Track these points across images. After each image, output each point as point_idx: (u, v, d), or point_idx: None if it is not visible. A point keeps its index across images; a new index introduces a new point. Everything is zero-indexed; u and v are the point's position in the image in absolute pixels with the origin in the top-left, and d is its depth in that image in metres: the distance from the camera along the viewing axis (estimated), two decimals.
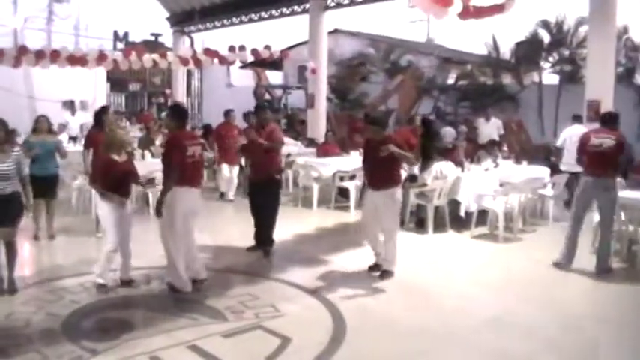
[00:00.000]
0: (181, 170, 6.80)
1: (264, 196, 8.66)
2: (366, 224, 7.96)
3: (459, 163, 10.84)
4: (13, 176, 6.87)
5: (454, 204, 10.31)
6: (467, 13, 8.89)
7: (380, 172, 7.57)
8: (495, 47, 23.26)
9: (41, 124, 9.49)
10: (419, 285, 7.51)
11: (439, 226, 10.12)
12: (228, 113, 14.05)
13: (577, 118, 12.16)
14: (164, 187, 6.87)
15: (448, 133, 16.26)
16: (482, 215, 10.14)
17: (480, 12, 9.12)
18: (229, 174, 13.43)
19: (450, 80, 24.78)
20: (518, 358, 5.51)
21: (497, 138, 14.47)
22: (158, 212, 6.88)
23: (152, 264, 7.76)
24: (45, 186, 9.18)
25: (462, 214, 10.17)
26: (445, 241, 9.76)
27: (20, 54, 12.62)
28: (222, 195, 13.40)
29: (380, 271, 7.70)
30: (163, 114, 21.84)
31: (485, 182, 10.44)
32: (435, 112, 22.51)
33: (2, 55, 12.32)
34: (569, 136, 11.58)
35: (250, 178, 9.10)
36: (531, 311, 6.62)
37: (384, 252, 7.71)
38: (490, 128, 15.19)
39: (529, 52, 22.26)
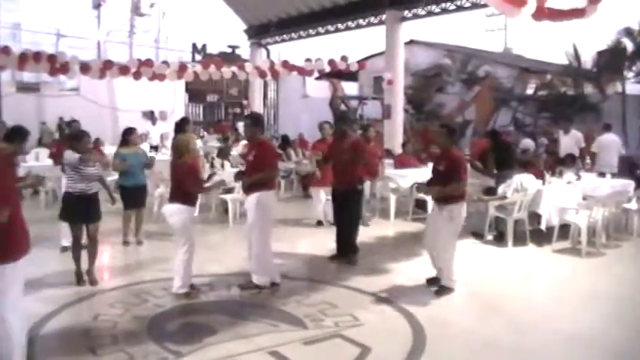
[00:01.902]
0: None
1: (345, 205, 8.75)
2: (426, 237, 7.91)
3: (540, 176, 10.61)
4: (97, 179, 7.85)
5: (535, 217, 10.09)
6: (541, 13, 8.68)
7: (439, 186, 7.45)
8: (576, 56, 22.71)
9: (133, 137, 9.81)
10: (496, 298, 7.37)
11: (519, 240, 9.91)
12: (323, 126, 11.98)
13: None
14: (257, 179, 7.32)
15: (527, 144, 15.97)
16: (564, 229, 9.88)
17: (557, 14, 8.90)
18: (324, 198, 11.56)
19: (529, 90, 24.28)
20: None
21: (576, 151, 14.11)
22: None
23: (232, 270, 7.92)
24: (135, 196, 9.60)
25: (543, 227, 9.93)
26: (525, 255, 9.54)
27: (105, 67, 13.03)
28: (319, 223, 11.56)
29: (437, 286, 7.56)
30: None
31: (568, 195, 10.19)
32: (514, 123, 22.12)
33: (88, 68, 12.74)
34: None
35: (333, 187, 9.23)
36: (612, 331, 6.40)
37: (442, 267, 7.56)
38: (569, 141, 14.81)
39: (612, 61, 21.65)
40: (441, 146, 7.78)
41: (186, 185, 7.04)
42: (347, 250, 8.81)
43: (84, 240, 7.81)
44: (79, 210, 7.66)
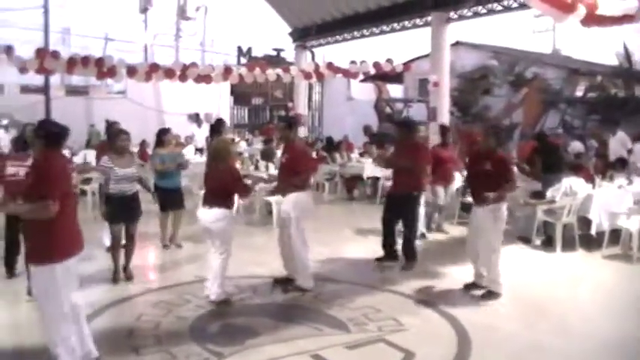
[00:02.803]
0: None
1: (403, 210, 8.68)
2: (468, 241, 7.79)
3: (589, 179, 10.36)
4: (136, 179, 7.96)
5: (584, 222, 9.85)
6: (590, 20, 8.50)
7: (483, 187, 7.27)
8: (627, 57, 22.17)
9: (170, 137, 9.86)
10: (544, 304, 7.20)
11: (568, 245, 9.68)
12: (445, 132, 11.61)
13: None
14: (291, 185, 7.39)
15: (576, 147, 15.66)
16: (615, 234, 9.62)
17: (606, 20, 8.70)
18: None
19: (579, 92, 23.79)
20: None
21: (624, 153, 13.77)
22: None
23: (275, 272, 7.89)
24: (172, 197, 9.59)
25: (593, 232, 9.69)
26: (574, 260, 9.32)
27: (151, 70, 13.16)
28: (438, 227, 11.19)
29: (482, 290, 7.40)
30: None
31: (619, 200, 9.92)
32: (562, 125, 21.70)
33: (135, 71, 12.89)
34: None
35: (390, 191, 9.24)
36: None
37: (487, 271, 7.42)
38: (616, 143, 14.47)
39: None
40: (486, 147, 7.62)
41: (232, 189, 7.01)
42: (395, 253, 8.76)
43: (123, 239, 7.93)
44: (118, 210, 7.78)
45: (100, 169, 8.17)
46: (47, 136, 4.97)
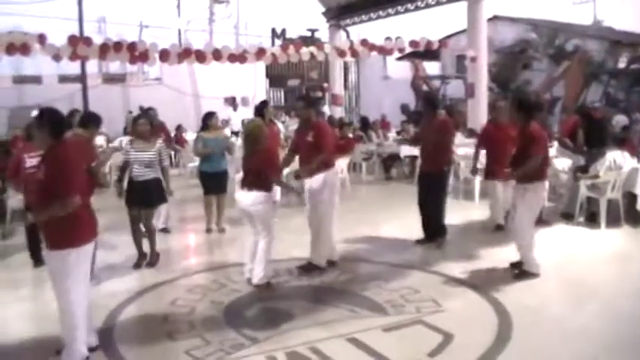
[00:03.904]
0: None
1: (431, 187, 8.51)
2: (509, 219, 7.61)
3: (635, 153, 10.02)
4: (156, 164, 7.83)
5: (630, 197, 9.53)
6: None
7: (518, 164, 7.08)
8: None
9: (214, 121, 9.79)
10: (589, 284, 6.94)
11: (613, 221, 9.36)
12: (496, 107, 9.98)
13: None
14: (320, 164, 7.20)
15: (620, 120, 15.22)
16: None
17: None
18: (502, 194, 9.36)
19: (621, 64, 23.18)
20: None
21: None
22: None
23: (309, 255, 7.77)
24: (216, 182, 9.55)
25: (639, 207, 9.37)
26: (619, 237, 9.02)
27: (183, 54, 13.10)
28: (499, 227, 9.29)
29: (518, 270, 7.19)
30: (325, 107, 22.23)
31: None
32: (605, 98, 21.17)
33: (167, 54, 12.83)
34: None
35: (420, 169, 9.11)
36: None
37: (520, 250, 7.20)
38: None
39: None
40: (515, 122, 7.37)
41: (268, 172, 6.83)
42: (434, 233, 8.59)
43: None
44: (133, 195, 7.77)
45: (109, 152, 8.14)
46: (51, 124, 4.82)
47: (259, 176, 6.74)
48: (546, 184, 7.42)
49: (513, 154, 7.31)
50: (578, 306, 6.32)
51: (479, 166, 9.95)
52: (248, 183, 6.79)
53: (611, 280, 7.17)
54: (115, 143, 15.40)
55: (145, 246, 7.90)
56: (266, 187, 6.76)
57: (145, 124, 7.95)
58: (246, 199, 6.75)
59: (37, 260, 7.64)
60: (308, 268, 7.42)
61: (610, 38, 24.66)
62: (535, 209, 7.25)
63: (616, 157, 9.47)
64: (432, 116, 8.66)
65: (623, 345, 5.32)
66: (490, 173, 9.27)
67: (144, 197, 7.75)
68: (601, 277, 7.25)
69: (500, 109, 9.39)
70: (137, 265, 7.77)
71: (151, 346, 5.39)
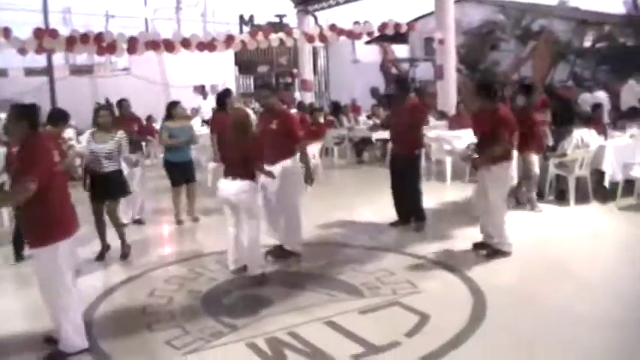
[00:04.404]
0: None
1: (404, 171, 8.53)
2: (475, 200, 7.68)
3: (601, 131, 10.19)
4: (115, 156, 7.71)
5: (598, 174, 9.71)
6: None
7: (485, 146, 7.16)
8: (635, 5, 21.83)
9: (178, 110, 9.73)
10: (562, 261, 7.06)
11: (581, 198, 9.55)
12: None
13: None
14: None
15: (586, 99, 15.43)
16: (629, 185, 9.51)
17: None
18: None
19: (587, 43, 23.45)
20: None
21: (636, 103, 13.54)
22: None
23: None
24: (183, 171, 9.50)
25: (607, 184, 9.55)
26: (588, 213, 9.19)
27: (152, 44, 13.01)
28: (530, 202, 9.36)
29: (487, 249, 7.30)
30: (296, 93, 22.21)
31: (632, 150, 9.78)
32: (572, 77, 21.44)
33: (135, 44, 12.74)
34: None
35: (391, 152, 9.09)
36: None
37: (493, 231, 7.30)
38: (627, 93, 14.25)
39: None
40: (479, 105, 7.45)
41: (256, 161, 6.70)
42: (409, 216, 8.65)
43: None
44: (95, 188, 7.69)
45: (73, 155, 8.12)
46: (31, 117, 4.86)
47: (245, 165, 6.61)
48: (513, 163, 7.50)
49: (480, 137, 7.37)
50: (551, 284, 6.42)
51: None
52: (232, 172, 6.65)
53: (583, 256, 7.30)
54: (85, 135, 15.28)
55: (116, 239, 7.88)
56: (250, 176, 6.64)
57: (106, 116, 7.82)
58: (231, 188, 6.62)
59: (19, 255, 7.67)
60: (281, 254, 7.45)
61: (576, 18, 24.91)
62: (505, 188, 7.35)
63: (583, 135, 9.63)
64: (403, 99, 8.67)
65: (598, 320, 5.43)
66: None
67: (106, 189, 7.68)
68: (573, 253, 7.38)
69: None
70: (100, 257, 7.76)
71: (131, 339, 5.39)
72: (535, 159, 9.29)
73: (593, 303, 5.82)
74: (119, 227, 7.91)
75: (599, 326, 5.31)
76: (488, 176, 7.14)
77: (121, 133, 7.83)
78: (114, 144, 7.68)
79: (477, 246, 7.47)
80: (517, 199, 9.40)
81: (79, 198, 6.85)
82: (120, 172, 7.86)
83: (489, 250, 7.25)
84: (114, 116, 8.49)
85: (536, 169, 9.34)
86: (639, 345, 5.00)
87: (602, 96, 15.54)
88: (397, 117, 8.67)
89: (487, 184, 7.18)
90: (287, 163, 7.24)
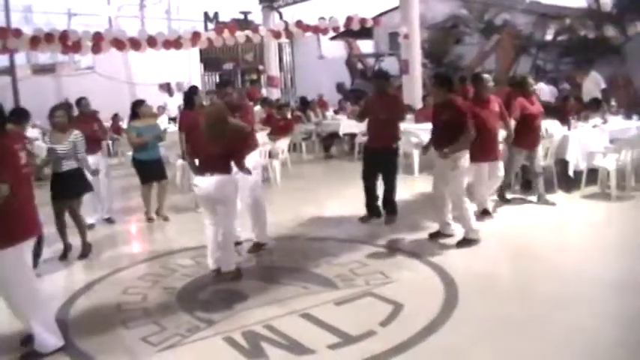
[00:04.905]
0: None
1: (382, 164, 8.55)
2: (433, 189, 7.78)
3: (565, 121, 10.39)
4: (70, 156, 7.64)
5: (562, 164, 9.91)
6: None
7: (444, 137, 7.30)
8: None
9: (143, 108, 9.68)
10: (531, 248, 7.26)
11: (547, 187, 9.69)
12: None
13: None
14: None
15: (544, 90, 15.69)
16: (593, 174, 9.72)
17: None
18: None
19: (549, 36, 23.79)
20: None
21: (598, 93, 13.80)
22: None
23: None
24: (153, 169, 9.47)
25: (571, 173, 9.75)
26: (554, 202, 9.37)
27: (117, 43, 12.92)
28: (485, 212, 8.67)
29: (454, 238, 7.51)
30: (264, 90, 22.15)
31: (595, 139, 9.99)
32: (535, 70, 21.73)
33: (100, 41, 12.64)
34: None
35: (367, 145, 9.01)
36: None
37: (459, 221, 7.48)
38: (589, 84, 14.50)
39: (631, 1, 21.05)
40: (438, 97, 7.63)
41: (238, 156, 6.66)
42: (379, 211, 8.72)
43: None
44: (55, 187, 7.67)
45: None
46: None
47: (223, 159, 6.54)
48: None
49: (439, 129, 7.48)
50: (522, 270, 6.60)
51: None
52: (211, 167, 6.51)
53: (550, 243, 7.47)
54: (47, 137, 15.13)
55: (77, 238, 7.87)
56: (228, 170, 6.58)
57: (61, 116, 7.73)
58: (211, 184, 6.50)
59: None
60: (257, 248, 7.56)
61: (537, 11, 25.22)
62: (465, 177, 7.52)
63: (547, 125, 9.80)
64: (383, 92, 8.69)
65: (568, 301, 5.57)
66: (477, 156, 8.13)
67: (65, 189, 7.66)
68: (540, 241, 7.56)
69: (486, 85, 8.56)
70: (63, 257, 7.73)
71: (107, 336, 5.38)
72: (519, 153, 9.16)
73: (562, 285, 5.97)
74: (81, 226, 7.88)
75: (570, 307, 5.44)
76: (448, 166, 7.28)
77: (76, 133, 7.73)
78: (70, 144, 7.64)
79: (433, 235, 7.66)
80: (502, 195, 9.45)
81: (43, 199, 6.88)
82: (79, 170, 7.82)
83: (460, 238, 7.43)
84: (70, 116, 8.40)
85: (540, 162, 9.29)
86: (610, 322, 5.15)
87: (545, 89, 15.85)
88: (376, 110, 8.54)
89: (447, 173, 7.32)
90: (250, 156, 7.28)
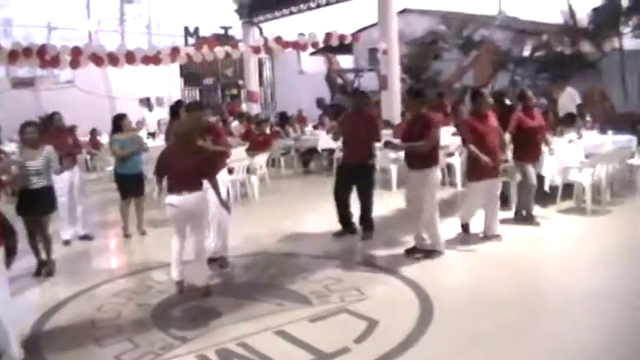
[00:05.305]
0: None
1: (358, 180, 8.61)
2: (407, 204, 7.84)
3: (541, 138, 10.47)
4: (44, 172, 7.61)
5: (538, 179, 9.96)
6: None
7: (416, 151, 7.40)
8: (571, 14, 22.40)
9: (126, 122, 9.68)
10: (508, 261, 7.34)
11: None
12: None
13: None
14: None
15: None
16: (568, 189, 9.81)
17: None
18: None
19: (526, 52, 24.03)
20: (625, 333, 5.32)
21: (573, 108, 13.95)
22: None
23: (236, 252, 7.93)
24: (133, 184, 9.45)
25: (547, 188, 9.83)
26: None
27: (96, 58, 12.90)
28: (465, 228, 8.62)
29: (420, 253, 7.57)
30: (243, 105, 22.13)
31: (570, 154, 10.08)
32: (512, 85, 21.92)
33: (79, 56, 12.61)
34: None
35: (343, 161, 9.11)
36: (630, 287, 6.34)
37: (428, 232, 7.57)
38: (565, 99, 14.65)
39: (607, 17, 21.34)
40: (411, 112, 7.80)
41: (211, 173, 6.69)
42: (354, 226, 8.78)
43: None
44: (26, 204, 7.57)
45: (8, 162, 8.01)
46: None
47: (196, 176, 6.53)
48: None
49: (408, 140, 7.55)
50: (499, 283, 6.64)
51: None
52: (188, 184, 6.45)
53: (528, 256, 7.57)
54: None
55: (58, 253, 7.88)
56: (201, 187, 6.56)
57: (32, 132, 7.65)
58: (190, 200, 6.44)
59: None
60: (225, 263, 7.60)
61: (515, 28, 25.48)
62: (436, 190, 7.60)
63: None
64: (360, 110, 8.79)
65: (549, 314, 5.65)
66: (476, 174, 8.20)
67: (35, 205, 7.59)
68: (516, 254, 7.64)
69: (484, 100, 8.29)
70: (37, 273, 7.67)
71: (80, 354, 5.35)
72: (530, 169, 9.04)
73: (537, 299, 6.06)
74: (47, 242, 7.80)
75: (546, 320, 5.48)
76: (420, 179, 7.38)
77: (48, 149, 7.72)
78: (42, 160, 7.60)
79: (409, 251, 7.70)
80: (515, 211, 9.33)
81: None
82: (50, 188, 7.79)
83: (424, 252, 7.53)
84: (41, 132, 8.24)
85: (533, 181, 9.04)
86: (587, 334, 5.22)
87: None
88: (353, 127, 8.63)
89: (418, 187, 7.41)
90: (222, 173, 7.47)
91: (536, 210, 9.61)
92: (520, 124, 8.98)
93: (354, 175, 8.62)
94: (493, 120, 8.27)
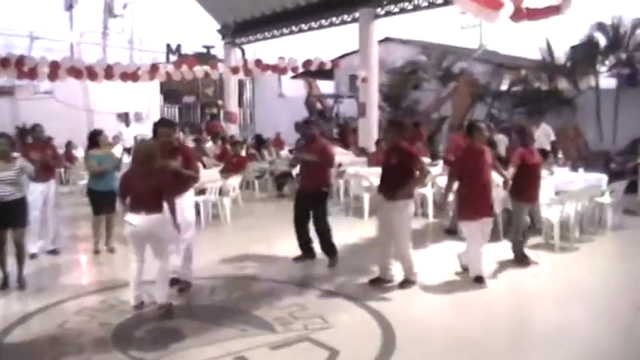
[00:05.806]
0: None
1: (311, 207, 8.73)
2: (377, 235, 7.93)
3: None
4: (17, 183, 7.63)
5: (508, 213, 10.07)
6: (520, 15, 8.81)
7: (390, 181, 7.50)
8: (550, 51, 22.73)
9: (103, 137, 9.67)
10: (472, 295, 7.36)
11: (493, 236, 9.77)
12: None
13: None
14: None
15: (500, 140, 15.96)
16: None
17: (534, 14, 9.04)
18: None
19: (504, 86, 24.33)
20: None
21: (547, 145, 14.11)
22: None
23: (202, 274, 7.91)
24: (106, 200, 9.38)
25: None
26: (499, 251, 9.48)
27: (74, 72, 12.87)
28: (479, 279, 7.82)
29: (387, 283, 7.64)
30: (223, 124, 22.12)
31: (540, 190, 10.17)
32: (489, 118, 22.14)
33: (57, 70, 12.58)
34: None
35: (298, 189, 9.27)
36: (594, 325, 6.44)
37: (401, 262, 7.64)
38: (540, 135, 14.83)
39: (585, 55, 21.69)
40: (389, 141, 7.90)
41: (170, 195, 6.70)
42: (329, 253, 8.79)
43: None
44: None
45: None
46: None
47: (156, 197, 6.55)
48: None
49: (388, 173, 7.62)
50: (462, 317, 6.66)
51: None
52: (146, 205, 6.49)
53: (493, 290, 7.58)
54: None
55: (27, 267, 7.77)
56: (160, 209, 6.58)
57: (4, 144, 7.64)
58: (148, 221, 6.48)
59: None
60: (187, 286, 7.53)
61: (494, 61, 25.81)
62: (410, 221, 7.67)
63: (494, 175, 9.96)
64: (312, 140, 8.92)
65: (510, 352, 5.71)
66: (469, 212, 7.86)
67: (10, 217, 7.55)
68: (481, 290, 7.60)
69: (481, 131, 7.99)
70: (3, 286, 7.59)
71: None
72: (522, 208, 8.78)
73: (499, 334, 6.12)
74: (22, 255, 7.76)
75: (507, 356, 5.58)
76: (394, 210, 7.44)
77: (21, 161, 7.74)
78: (15, 172, 7.59)
79: (373, 282, 7.73)
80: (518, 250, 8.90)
81: None
82: (23, 200, 7.76)
83: (403, 280, 7.59)
84: (14, 144, 8.31)
85: (523, 221, 8.77)
86: None
87: (501, 138, 16.16)
88: (304, 155, 8.87)
89: (392, 218, 7.46)
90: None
91: (505, 244, 9.65)
92: (523, 160, 8.67)
93: (307, 202, 8.75)
94: (489, 156, 8.01)
